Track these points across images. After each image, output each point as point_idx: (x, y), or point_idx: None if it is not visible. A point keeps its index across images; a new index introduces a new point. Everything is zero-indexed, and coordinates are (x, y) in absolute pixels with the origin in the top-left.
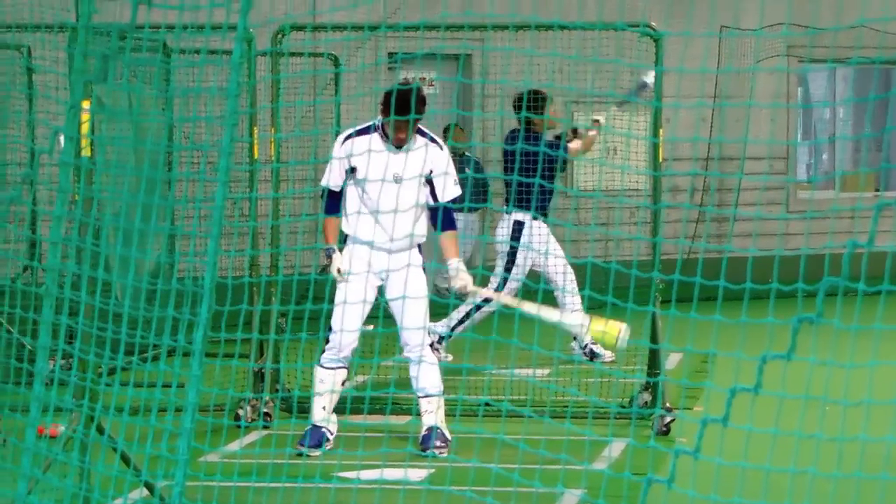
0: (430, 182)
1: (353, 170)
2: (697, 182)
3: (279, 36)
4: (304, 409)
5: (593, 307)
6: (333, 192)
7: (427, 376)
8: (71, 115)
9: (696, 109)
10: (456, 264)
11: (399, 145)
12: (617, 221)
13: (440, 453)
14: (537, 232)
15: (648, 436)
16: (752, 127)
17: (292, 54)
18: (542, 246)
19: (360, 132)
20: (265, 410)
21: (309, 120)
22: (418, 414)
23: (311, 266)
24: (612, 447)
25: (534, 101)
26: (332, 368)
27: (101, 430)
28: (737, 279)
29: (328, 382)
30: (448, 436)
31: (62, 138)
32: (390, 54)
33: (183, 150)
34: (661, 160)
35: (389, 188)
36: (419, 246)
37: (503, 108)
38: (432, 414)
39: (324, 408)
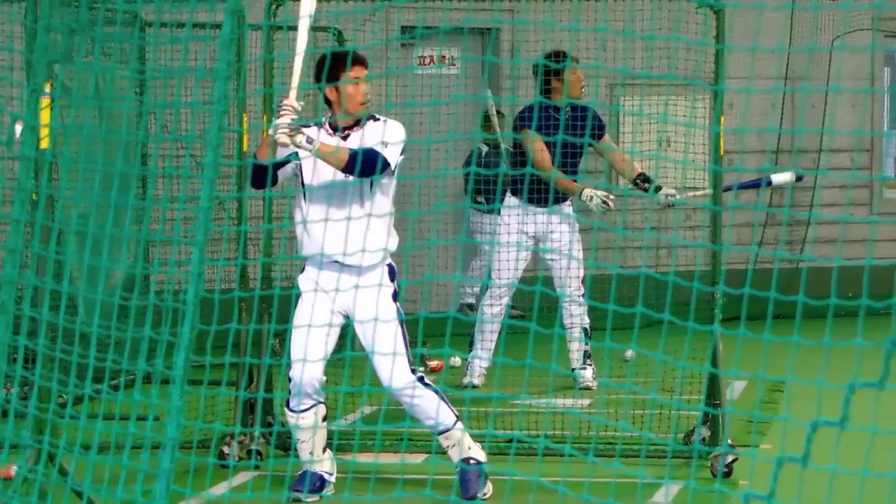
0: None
1: (297, 167)
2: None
3: (274, 7)
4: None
5: (651, 325)
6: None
7: (428, 411)
8: (31, 101)
9: (765, 94)
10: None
11: (347, 124)
12: (675, 225)
13: (485, 496)
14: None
15: (707, 478)
16: (830, 114)
17: (290, 28)
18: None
19: (307, 126)
20: (256, 448)
21: (309, 106)
22: (443, 452)
23: None
24: (665, 491)
25: (548, 68)
26: (304, 410)
27: (63, 471)
28: (812, 292)
29: (304, 425)
30: (482, 459)
31: (20, 127)
32: (404, 28)
33: (162, 141)
34: (722, 153)
35: (338, 192)
36: (389, 269)
37: (538, 93)
38: (456, 448)
39: (311, 452)
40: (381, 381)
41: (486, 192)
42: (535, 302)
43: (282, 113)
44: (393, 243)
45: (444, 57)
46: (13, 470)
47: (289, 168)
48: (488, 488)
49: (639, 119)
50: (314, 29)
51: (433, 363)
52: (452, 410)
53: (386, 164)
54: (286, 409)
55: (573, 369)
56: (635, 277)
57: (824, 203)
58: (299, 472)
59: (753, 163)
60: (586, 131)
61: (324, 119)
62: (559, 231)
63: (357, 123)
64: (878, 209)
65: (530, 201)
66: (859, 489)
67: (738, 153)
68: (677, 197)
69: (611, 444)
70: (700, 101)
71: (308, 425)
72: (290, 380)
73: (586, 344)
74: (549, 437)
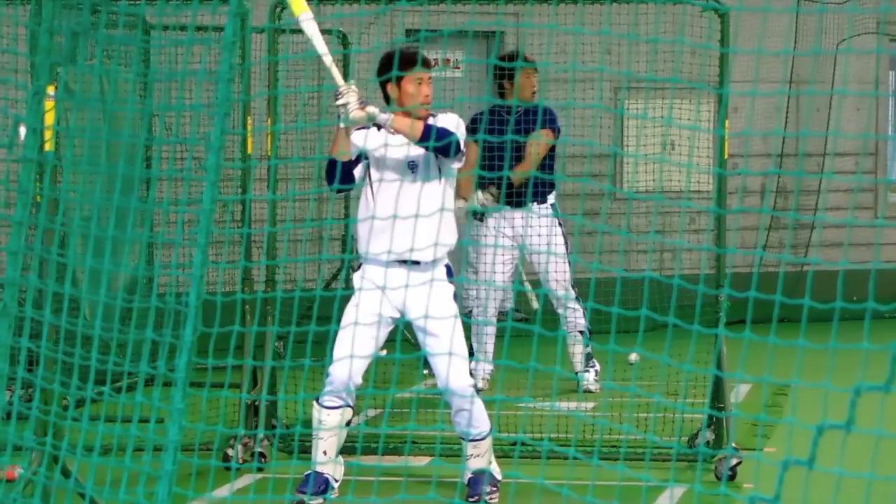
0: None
1: (366, 166)
2: (770, 183)
3: (278, 10)
4: (306, 448)
5: (655, 328)
6: (335, 161)
7: (476, 416)
8: (34, 104)
9: (770, 97)
10: None
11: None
12: (680, 229)
13: (491, 500)
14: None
15: (711, 481)
16: (835, 118)
17: (293, 31)
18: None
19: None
20: (259, 450)
21: (312, 109)
22: (467, 458)
23: (314, 280)
24: (670, 494)
25: (504, 69)
26: (333, 408)
27: (66, 473)
28: (816, 296)
29: (328, 423)
30: (499, 477)
31: (23, 130)
32: (408, 31)
33: (165, 143)
34: (727, 157)
35: (408, 178)
36: (447, 269)
37: (542, 96)
38: (481, 458)
39: (325, 452)
40: (438, 381)
41: None
42: (540, 304)
43: (341, 93)
44: (454, 239)
45: (447, 60)
46: (16, 472)
47: (360, 168)
48: (495, 497)
49: (643, 122)
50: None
51: None
52: (488, 419)
53: (458, 146)
54: (315, 403)
55: (576, 372)
56: (639, 280)
57: (829, 207)
58: (305, 474)
59: (758, 167)
60: (537, 128)
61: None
62: (538, 232)
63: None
64: (883, 213)
65: (507, 203)
66: (865, 493)
67: (743, 157)
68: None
69: (615, 447)
70: (704, 105)
71: (331, 424)
72: (327, 374)
73: (587, 346)
74: (553, 440)
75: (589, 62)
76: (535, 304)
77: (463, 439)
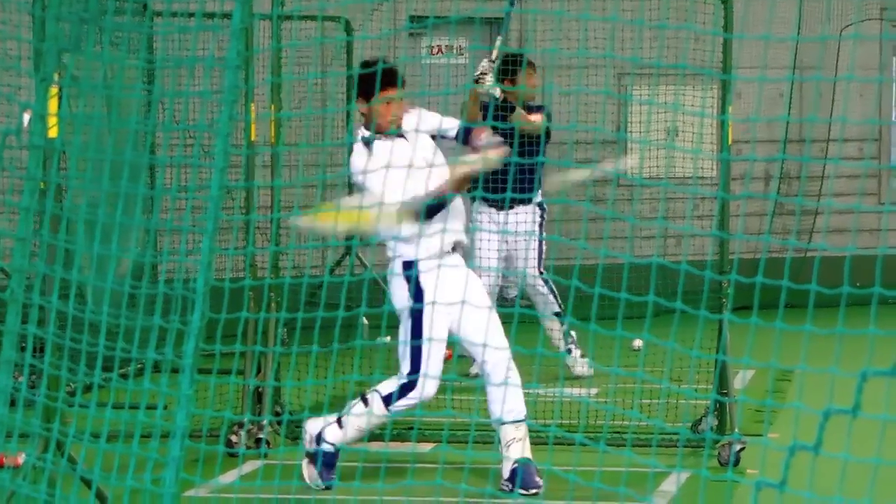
0: (442, 137)
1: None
2: (774, 169)
3: None
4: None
5: (659, 314)
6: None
7: (513, 398)
8: (40, 90)
9: (774, 83)
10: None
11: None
12: (689, 215)
13: (541, 485)
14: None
15: (714, 466)
16: (838, 104)
17: (298, 18)
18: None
19: (366, 142)
20: (265, 436)
21: (317, 96)
22: (507, 444)
23: (320, 266)
24: (671, 480)
25: (507, 67)
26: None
27: (72, 460)
28: (820, 282)
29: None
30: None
31: (29, 117)
32: (412, 18)
33: (172, 130)
34: (731, 142)
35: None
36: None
37: (551, 82)
38: (521, 442)
39: (353, 439)
40: (483, 367)
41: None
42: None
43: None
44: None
45: (453, 47)
46: (22, 458)
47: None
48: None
49: (648, 108)
50: (323, 18)
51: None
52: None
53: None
54: (382, 404)
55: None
56: (643, 266)
57: (833, 193)
58: (325, 458)
59: (762, 152)
60: (541, 129)
61: (362, 134)
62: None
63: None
64: (887, 198)
65: (493, 205)
66: (871, 477)
67: (748, 143)
68: None
69: (619, 433)
70: (709, 91)
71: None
72: (409, 385)
73: (562, 325)
74: (560, 426)
75: (594, 49)
76: (513, 292)
77: (501, 422)
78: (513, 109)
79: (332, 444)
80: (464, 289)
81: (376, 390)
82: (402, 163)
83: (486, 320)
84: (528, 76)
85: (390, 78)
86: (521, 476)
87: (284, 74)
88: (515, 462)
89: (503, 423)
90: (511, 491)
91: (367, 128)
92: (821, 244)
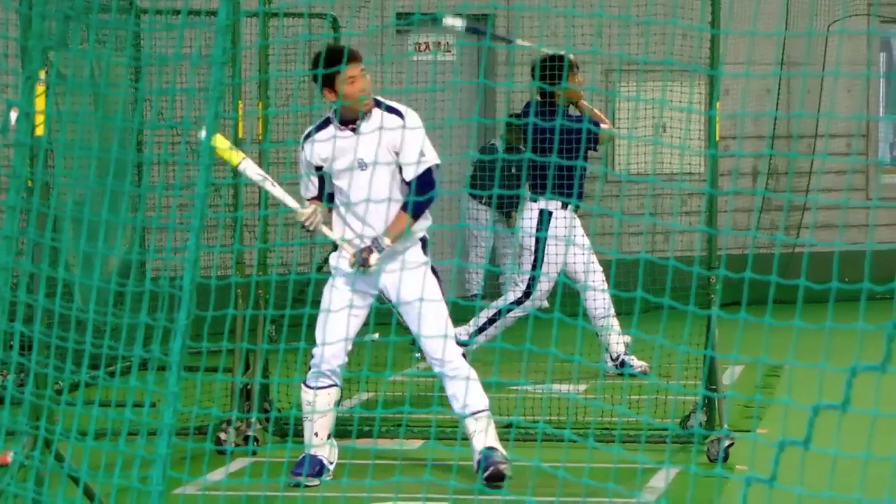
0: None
1: (318, 168)
2: (762, 164)
3: None
4: (300, 432)
5: (647, 309)
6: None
7: (469, 391)
8: (26, 88)
9: (762, 79)
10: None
11: (353, 118)
12: (675, 211)
13: (506, 470)
14: (563, 224)
15: (703, 462)
16: (826, 99)
17: (285, 15)
18: (571, 238)
19: (318, 127)
20: (252, 434)
21: (304, 93)
22: (464, 438)
23: (308, 264)
24: (660, 476)
25: (551, 70)
26: (320, 388)
27: (59, 457)
28: (807, 278)
29: (317, 404)
30: (504, 453)
31: (15, 114)
32: (399, 15)
33: (158, 128)
34: (718, 138)
35: (359, 177)
36: (422, 242)
37: (535, 79)
38: (483, 433)
39: (316, 433)
40: (431, 362)
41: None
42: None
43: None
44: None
45: (440, 43)
46: (10, 456)
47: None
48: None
49: (635, 104)
50: (309, 15)
51: None
52: (486, 396)
53: (433, 179)
54: (303, 385)
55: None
56: (631, 263)
57: (821, 188)
58: (300, 457)
59: (750, 148)
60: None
61: (331, 115)
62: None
63: (364, 115)
64: (875, 194)
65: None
66: (861, 473)
67: (735, 138)
68: None
69: (608, 429)
70: (697, 87)
71: (321, 405)
72: (311, 356)
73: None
74: (548, 422)
75: (580, 45)
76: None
77: (461, 417)
78: (554, 112)
79: None
80: (421, 286)
81: None
82: (323, 155)
83: (427, 312)
84: (572, 76)
85: (341, 57)
86: (483, 465)
87: (271, 71)
88: (479, 452)
89: (465, 418)
90: (491, 479)
91: (335, 114)
92: (809, 239)
